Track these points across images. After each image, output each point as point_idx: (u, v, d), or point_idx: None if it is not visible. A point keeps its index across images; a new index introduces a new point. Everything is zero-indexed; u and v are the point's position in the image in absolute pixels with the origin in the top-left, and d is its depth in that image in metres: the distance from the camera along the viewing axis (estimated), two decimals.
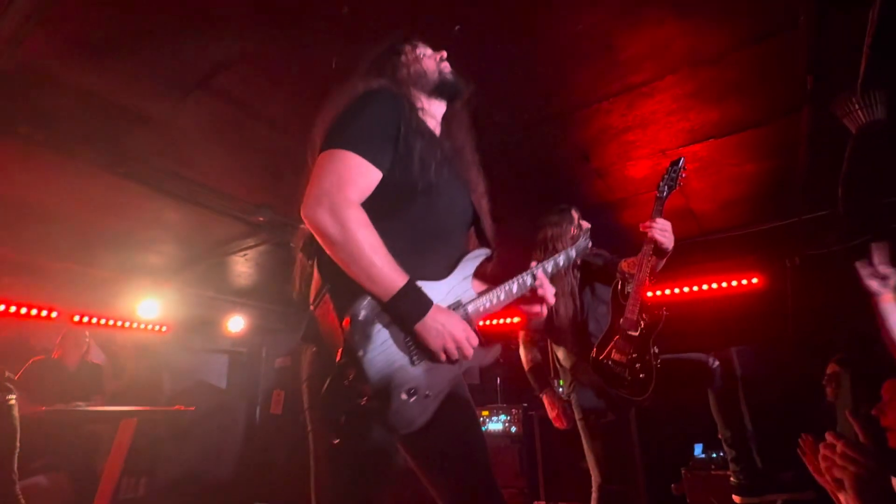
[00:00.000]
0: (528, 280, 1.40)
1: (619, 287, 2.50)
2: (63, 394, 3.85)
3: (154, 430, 4.62)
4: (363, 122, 1.26)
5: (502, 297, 1.36)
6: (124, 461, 3.89)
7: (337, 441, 1.15)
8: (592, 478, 2.45)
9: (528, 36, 2.25)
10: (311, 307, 1.27)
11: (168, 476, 5.14)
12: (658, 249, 2.20)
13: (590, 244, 2.51)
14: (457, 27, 2.15)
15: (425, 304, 1.18)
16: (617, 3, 2.09)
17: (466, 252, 1.39)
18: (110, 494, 3.74)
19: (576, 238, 1.59)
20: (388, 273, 1.15)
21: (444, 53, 1.56)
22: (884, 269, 1.78)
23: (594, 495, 2.42)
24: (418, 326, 1.16)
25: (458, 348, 1.21)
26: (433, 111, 1.49)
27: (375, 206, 1.20)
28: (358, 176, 1.20)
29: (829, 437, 1.20)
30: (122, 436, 3.85)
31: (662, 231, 2.15)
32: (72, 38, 2.17)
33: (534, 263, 1.44)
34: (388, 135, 1.27)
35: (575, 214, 2.70)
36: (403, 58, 1.51)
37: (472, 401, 1.45)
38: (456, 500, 1.34)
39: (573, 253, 1.57)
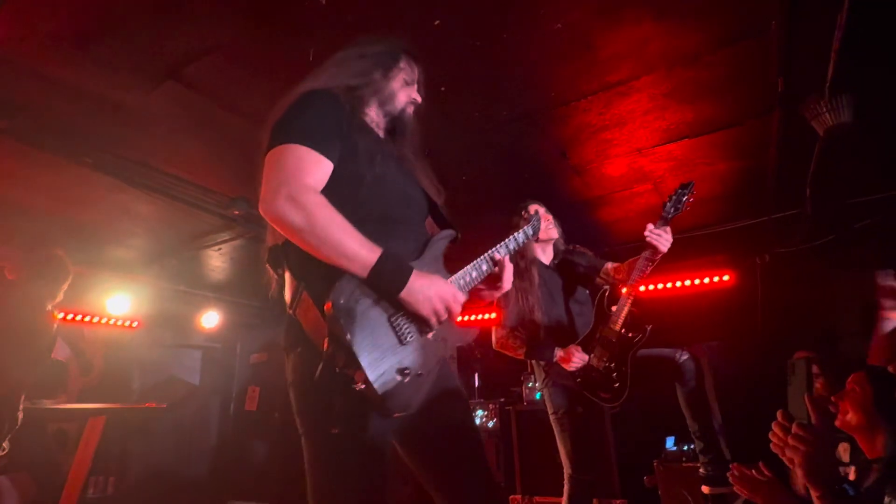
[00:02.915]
0: (496, 256, 1.43)
1: (605, 294, 2.56)
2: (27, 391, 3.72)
3: (124, 428, 4.52)
4: (308, 117, 1.26)
5: (474, 275, 1.38)
6: (92, 460, 3.78)
7: (336, 431, 1.12)
8: (564, 469, 2.50)
9: (508, 32, 2.25)
10: (290, 310, 1.25)
11: (138, 475, 5.03)
12: (654, 256, 2.30)
13: (545, 226, 2.58)
14: (436, 22, 2.14)
15: (406, 270, 1.18)
16: (596, 2, 2.10)
17: (430, 237, 1.40)
18: (77, 494, 3.64)
19: (527, 221, 1.64)
20: (361, 247, 1.14)
21: (419, 100, 1.55)
22: None
23: (566, 486, 2.47)
24: (404, 294, 1.16)
25: (447, 308, 1.22)
26: (379, 122, 1.49)
27: (330, 198, 1.19)
28: (311, 165, 1.20)
29: (780, 415, 1.24)
30: (90, 434, 3.74)
31: (666, 241, 2.25)
32: (38, 25, 2.08)
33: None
34: (334, 129, 1.27)
35: (531, 208, 2.73)
36: (393, 69, 1.48)
37: (463, 389, 1.46)
38: (450, 485, 1.33)
39: (530, 231, 1.59)
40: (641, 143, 3.18)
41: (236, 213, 3.61)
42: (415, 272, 1.18)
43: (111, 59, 2.30)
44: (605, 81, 2.57)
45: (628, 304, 2.47)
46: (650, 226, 2.27)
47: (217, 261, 4.88)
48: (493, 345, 2.73)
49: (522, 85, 2.61)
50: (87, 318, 4.83)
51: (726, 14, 2.17)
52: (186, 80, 2.45)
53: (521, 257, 2.60)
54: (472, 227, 4.29)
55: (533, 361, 2.74)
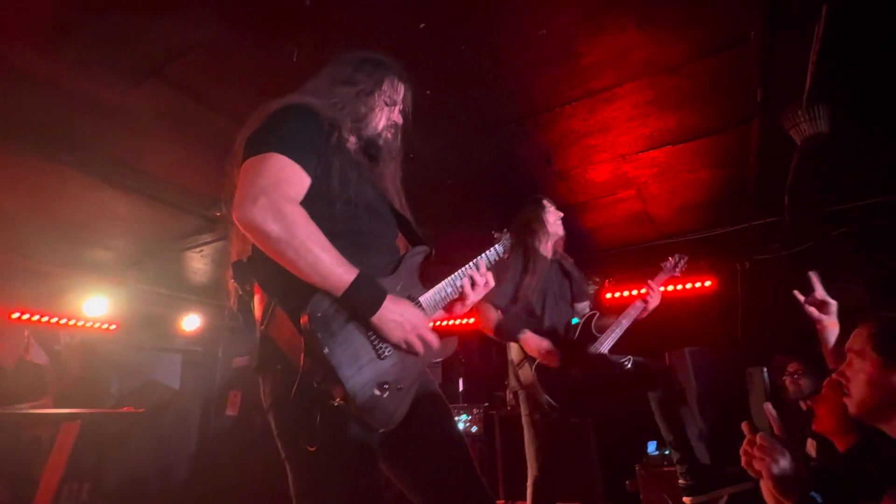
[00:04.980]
0: (472, 271, 1.43)
1: (594, 318, 2.65)
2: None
3: (99, 433, 4.41)
4: (289, 130, 1.23)
5: (449, 291, 1.38)
6: (66, 466, 3.69)
7: (313, 448, 1.08)
8: (529, 472, 2.48)
9: (493, 37, 2.26)
10: (261, 327, 1.22)
11: (114, 481, 4.91)
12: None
13: (554, 220, 2.78)
14: (421, 25, 2.14)
15: (380, 294, 1.16)
16: (580, 10, 2.13)
17: (403, 252, 1.40)
18: (49, 501, 3.54)
19: (498, 240, 1.64)
20: (338, 266, 1.12)
21: (400, 122, 1.52)
22: (822, 295, 1.78)
23: (529, 490, 2.45)
24: (375, 318, 1.14)
25: (419, 337, 1.20)
26: (356, 145, 1.46)
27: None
28: (292, 176, 1.17)
29: (745, 427, 1.25)
30: (64, 439, 3.65)
31: (658, 300, 2.64)
32: (15, 18, 2.04)
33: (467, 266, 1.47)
34: (313, 145, 1.25)
35: (546, 203, 2.84)
36: (373, 95, 1.45)
37: (443, 395, 1.44)
38: (439, 497, 1.31)
39: (501, 249, 1.59)
40: (625, 150, 3.21)
41: (218, 214, 3.56)
42: (389, 297, 1.17)
43: (91, 55, 2.25)
44: (589, 88, 2.60)
45: (617, 335, 2.57)
46: (653, 285, 2.64)
47: (198, 262, 4.81)
48: (482, 325, 2.57)
49: (507, 90, 2.62)
50: (62, 321, 4.72)
51: (707, 25, 2.21)
52: (169, 78, 2.41)
53: (525, 247, 2.62)
54: (456, 230, 4.29)
55: (510, 361, 2.70)
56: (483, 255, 1.51)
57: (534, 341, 2.44)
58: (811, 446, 2.17)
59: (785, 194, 3.48)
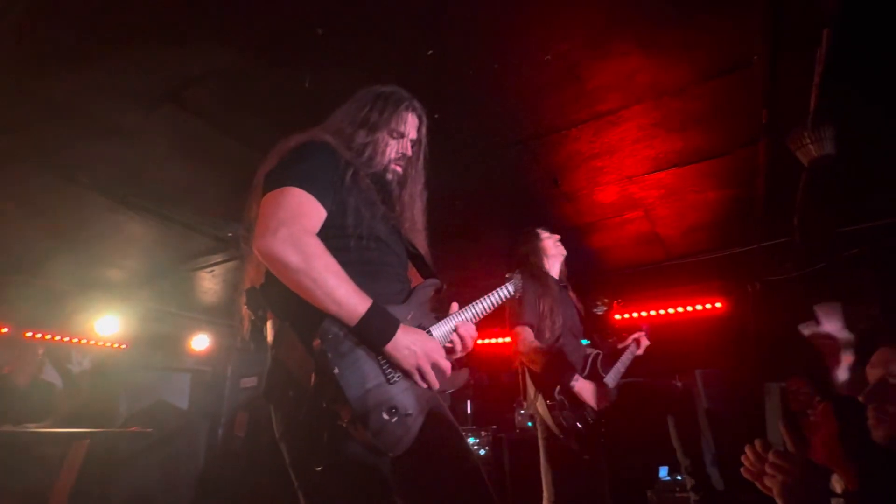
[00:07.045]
0: (486, 306, 1.44)
1: (598, 356, 2.63)
2: (11, 413, 3.66)
3: (108, 453, 4.41)
4: (310, 165, 1.28)
5: (459, 321, 1.39)
6: (74, 486, 3.69)
7: (319, 468, 1.09)
8: (545, 496, 2.44)
9: (500, 62, 2.31)
10: (273, 351, 1.24)
11: (122, 501, 4.89)
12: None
13: (553, 241, 2.74)
14: (429, 52, 2.19)
15: (393, 324, 1.18)
16: (584, 35, 2.17)
17: (414, 284, 1.41)
18: None
19: (511, 279, 1.63)
20: (353, 296, 1.14)
21: (409, 153, 1.52)
22: (831, 329, 1.71)
23: None
24: (388, 347, 1.15)
25: (433, 365, 1.21)
26: (369, 180, 1.45)
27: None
28: (310, 210, 1.22)
29: (758, 444, 1.21)
30: (73, 459, 3.65)
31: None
32: (35, 43, 2.12)
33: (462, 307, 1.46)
34: (331, 182, 1.29)
35: (540, 231, 2.80)
36: (385, 132, 1.46)
37: (454, 420, 1.42)
38: None
39: (511, 288, 1.60)
40: (631, 171, 3.23)
41: (230, 235, 3.62)
42: (402, 326, 1.19)
43: (110, 81, 2.33)
44: (595, 111, 2.63)
45: (620, 372, 2.59)
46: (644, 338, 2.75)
47: (209, 283, 4.86)
48: (520, 346, 2.50)
49: (514, 113, 2.66)
50: (74, 340, 4.77)
51: (710, 48, 2.24)
52: (184, 103, 2.49)
53: (533, 274, 2.60)
54: (465, 251, 4.28)
55: (530, 385, 2.68)
56: (495, 291, 1.53)
57: (587, 390, 2.43)
58: (836, 481, 2.11)
59: (794, 215, 3.46)
